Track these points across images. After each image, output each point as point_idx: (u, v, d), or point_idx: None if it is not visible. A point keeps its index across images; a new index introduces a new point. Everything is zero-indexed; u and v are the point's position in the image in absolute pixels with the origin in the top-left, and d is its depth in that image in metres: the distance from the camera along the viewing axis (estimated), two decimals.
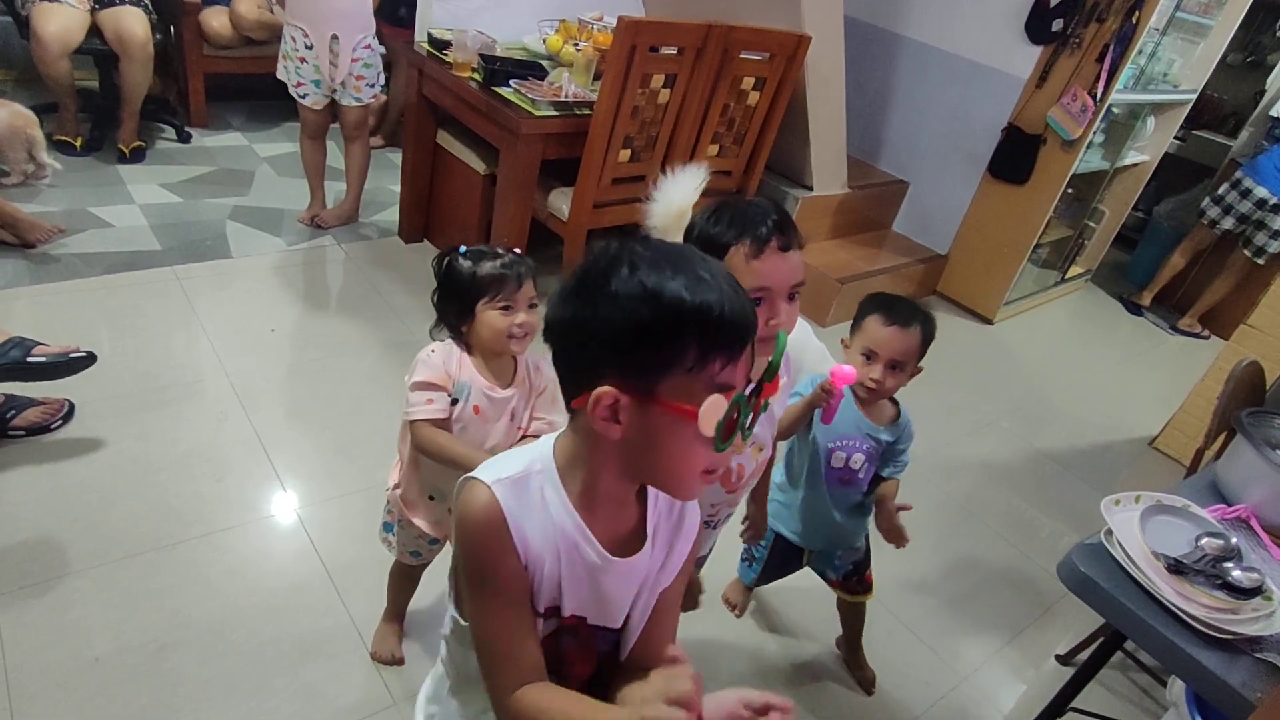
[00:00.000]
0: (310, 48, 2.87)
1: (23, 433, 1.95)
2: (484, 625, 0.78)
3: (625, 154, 2.70)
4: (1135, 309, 4.51)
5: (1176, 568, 1.20)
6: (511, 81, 2.67)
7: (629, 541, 0.82)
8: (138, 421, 2.10)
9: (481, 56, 2.76)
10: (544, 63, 2.97)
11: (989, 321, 3.92)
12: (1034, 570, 2.38)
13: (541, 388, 1.41)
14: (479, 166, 2.97)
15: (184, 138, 3.75)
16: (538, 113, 2.55)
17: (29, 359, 1.74)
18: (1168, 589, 1.17)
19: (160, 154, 3.57)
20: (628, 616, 0.86)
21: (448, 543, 1.56)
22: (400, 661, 1.67)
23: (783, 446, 1.64)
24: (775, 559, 1.76)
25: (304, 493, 2.02)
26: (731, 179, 3.15)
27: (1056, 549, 2.44)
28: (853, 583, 1.79)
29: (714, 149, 2.97)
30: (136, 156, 3.43)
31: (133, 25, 3.22)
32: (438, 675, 0.99)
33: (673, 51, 2.59)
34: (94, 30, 3.23)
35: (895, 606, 2.11)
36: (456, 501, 0.77)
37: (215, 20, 3.71)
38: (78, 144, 3.36)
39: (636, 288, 0.69)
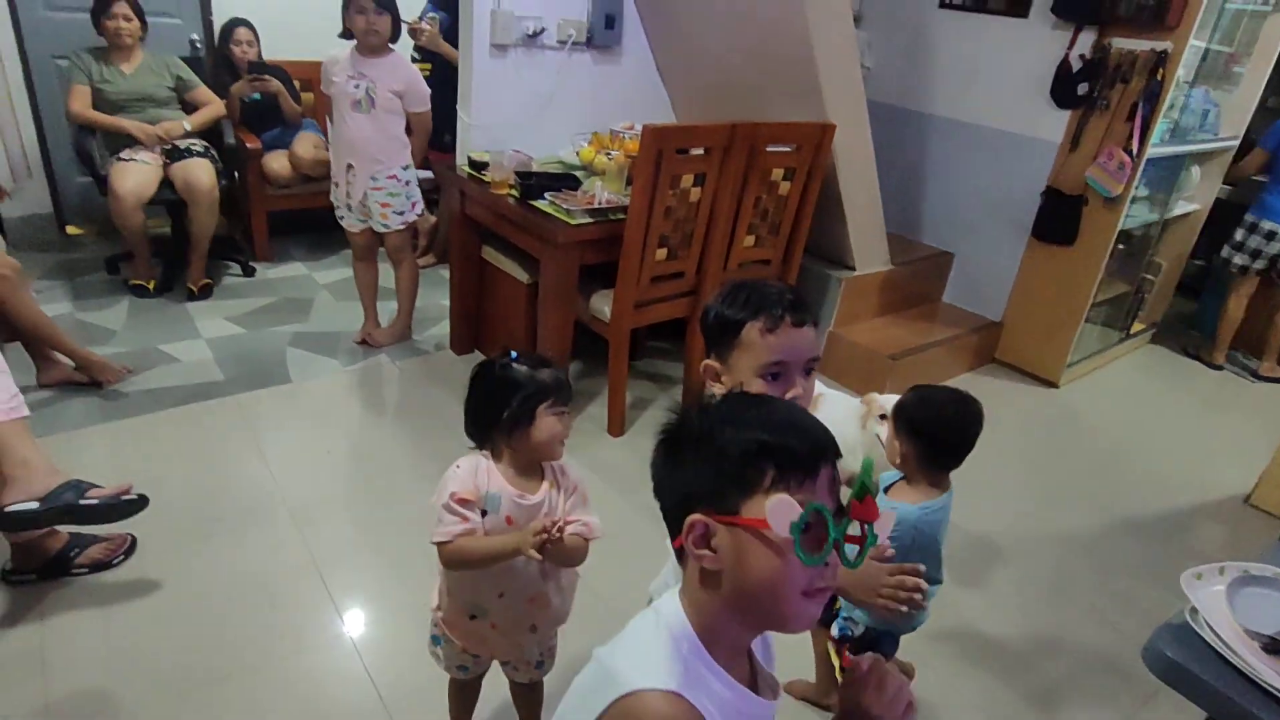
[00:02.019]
0: (336, 175, 3.08)
1: (85, 570, 2.02)
2: None
3: (662, 253, 2.75)
4: (1214, 368, 4.31)
5: (1274, 646, 1.09)
6: (546, 194, 2.77)
7: (752, 682, 0.81)
8: (196, 552, 2.14)
9: (517, 173, 2.87)
10: (578, 173, 3.08)
11: (1054, 385, 3.78)
12: (1132, 651, 2.19)
13: (571, 488, 1.40)
14: (522, 277, 3.05)
15: (249, 272, 3.97)
16: (573, 221, 2.63)
17: (82, 501, 1.80)
18: (1268, 671, 1.06)
19: (226, 289, 3.78)
20: None
21: (493, 658, 1.53)
22: None
23: None
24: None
25: (357, 615, 2.02)
26: (771, 267, 3.17)
27: (1156, 625, 2.25)
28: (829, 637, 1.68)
29: (750, 239, 3.00)
30: (204, 294, 3.64)
31: (200, 175, 3.47)
32: None
33: (700, 152, 2.66)
34: (166, 182, 3.49)
35: (979, 701, 1.96)
36: (628, 715, 0.72)
37: (276, 163, 3.99)
38: (150, 286, 3.58)
39: (712, 424, 0.77)
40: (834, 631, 1.69)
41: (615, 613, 2.01)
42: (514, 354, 1.37)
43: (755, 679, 0.82)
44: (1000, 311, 3.90)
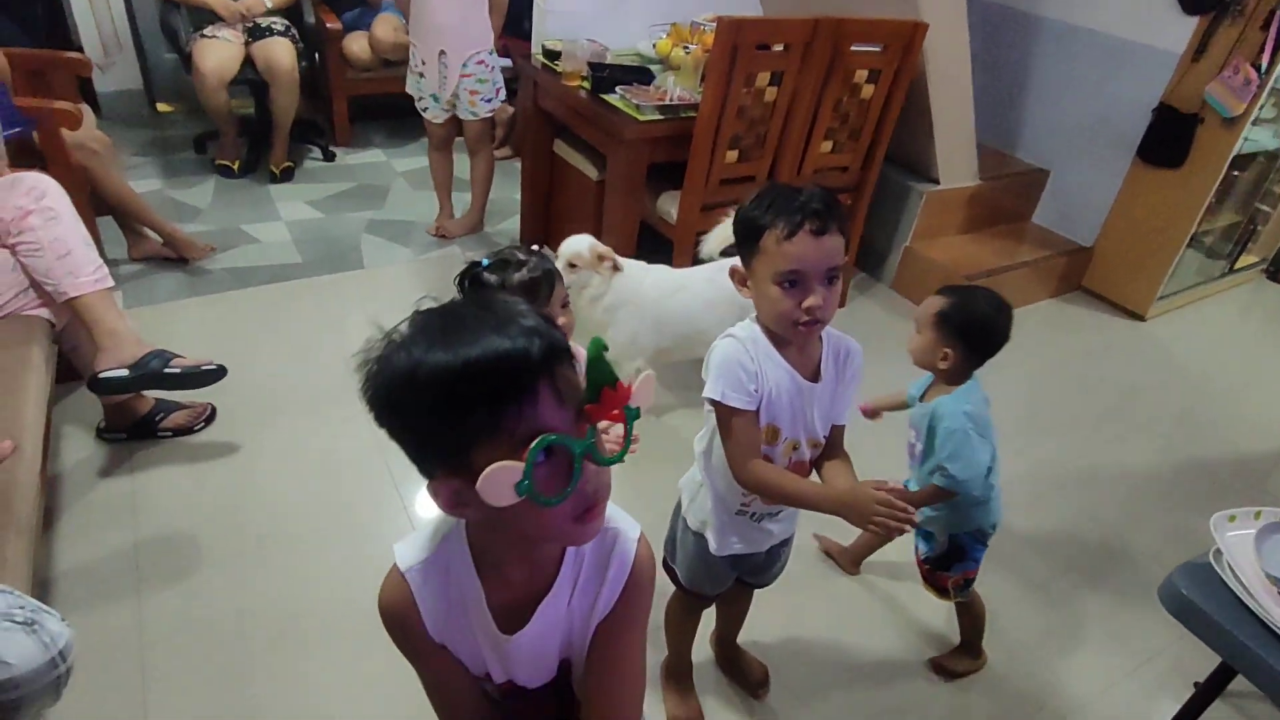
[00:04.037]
0: (425, 63, 3.03)
1: (169, 434, 2.18)
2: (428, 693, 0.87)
3: (733, 155, 2.67)
4: None
5: None
6: (618, 88, 2.70)
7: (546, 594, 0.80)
8: (272, 425, 2.28)
9: (590, 65, 2.80)
10: (653, 67, 2.98)
11: (1140, 318, 3.58)
12: None
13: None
14: (591, 173, 3.02)
15: (329, 157, 4.03)
16: (642, 117, 2.57)
17: (167, 370, 1.92)
18: None
19: (307, 172, 3.87)
20: (563, 662, 0.86)
21: None
22: None
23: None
24: None
25: (415, 498, 2.12)
26: (848, 174, 3.05)
27: None
28: (924, 572, 1.74)
29: (827, 145, 2.88)
30: (286, 176, 3.73)
31: (281, 55, 3.49)
32: None
33: (779, 49, 2.53)
34: (248, 62, 3.53)
35: (1014, 622, 1.97)
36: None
37: (355, 45, 3.98)
38: (235, 167, 3.69)
39: (397, 374, 0.67)
40: (920, 552, 1.71)
41: (655, 508, 2.06)
42: (485, 261, 1.32)
43: (591, 576, 0.81)
44: (1092, 236, 3.68)
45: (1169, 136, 3.28)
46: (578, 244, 2.22)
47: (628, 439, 0.71)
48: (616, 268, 2.23)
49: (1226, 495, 2.56)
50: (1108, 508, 2.44)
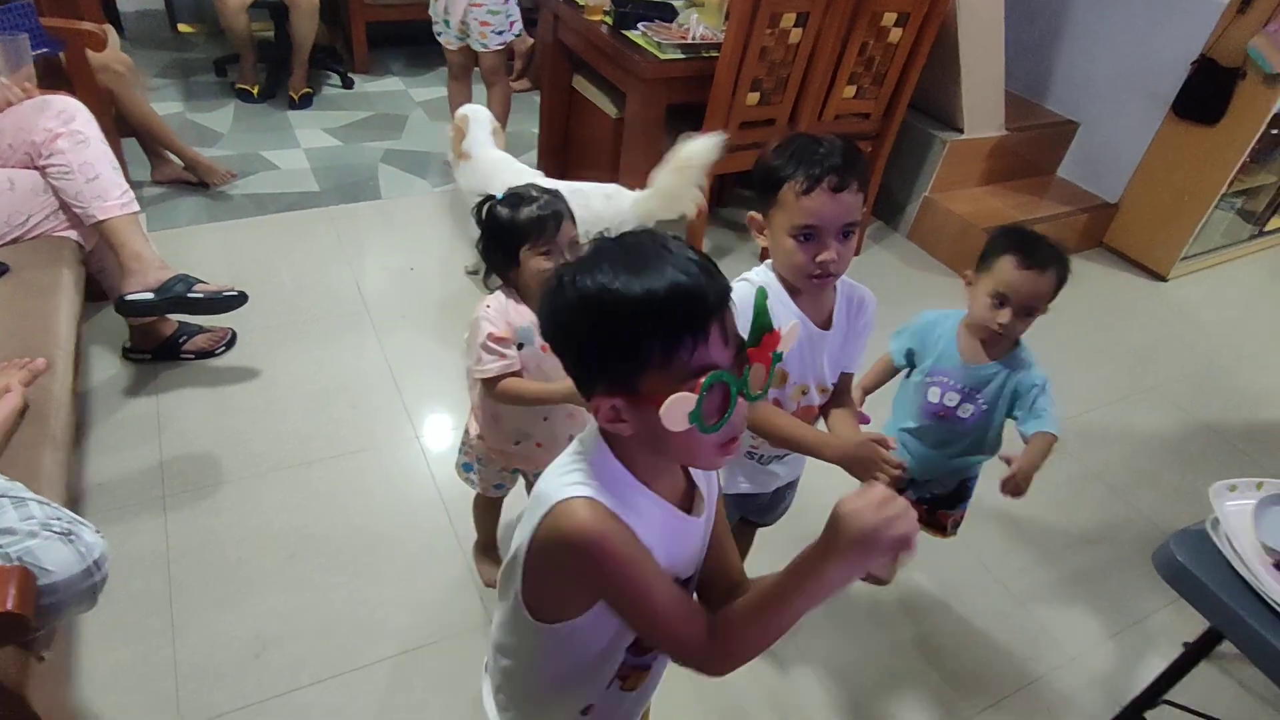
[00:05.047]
0: None
1: (192, 356, 2.25)
2: (649, 604, 0.76)
3: (754, 97, 2.63)
4: None
5: None
6: (640, 24, 2.65)
7: (687, 501, 0.85)
8: (288, 350, 2.34)
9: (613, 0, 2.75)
10: (676, 3, 2.92)
11: (1162, 278, 3.54)
12: None
13: None
14: (610, 110, 2.99)
15: (348, 84, 4.01)
16: (663, 56, 2.53)
17: (190, 294, 1.97)
18: (1274, 584, 1.06)
19: (325, 100, 3.85)
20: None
21: (532, 471, 1.64)
22: None
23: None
24: None
25: (425, 422, 2.19)
26: (870, 121, 3.00)
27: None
28: (922, 512, 1.74)
29: (850, 90, 2.83)
30: (304, 103, 3.72)
31: None
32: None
33: None
34: None
35: (1005, 575, 2.02)
36: (557, 528, 0.75)
37: None
38: (254, 91, 3.68)
39: (580, 298, 0.70)
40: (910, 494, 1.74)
41: None
42: (499, 195, 1.36)
43: (694, 496, 0.85)
44: (1118, 193, 3.62)
45: (1207, 91, 3.19)
46: (470, 113, 2.48)
47: (769, 379, 0.76)
48: (463, 155, 2.42)
49: (1234, 461, 2.57)
50: (1113, 466, 2.47)
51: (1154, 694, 1.41)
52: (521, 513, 0.83)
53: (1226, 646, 1.33)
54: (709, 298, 0.69)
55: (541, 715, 0.96)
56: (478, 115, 2.52)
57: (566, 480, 0.76)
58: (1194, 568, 1.11)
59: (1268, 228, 3.95)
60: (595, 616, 0.80)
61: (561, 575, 0.78)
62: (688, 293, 0.68)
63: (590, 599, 0.79)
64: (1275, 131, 3.37)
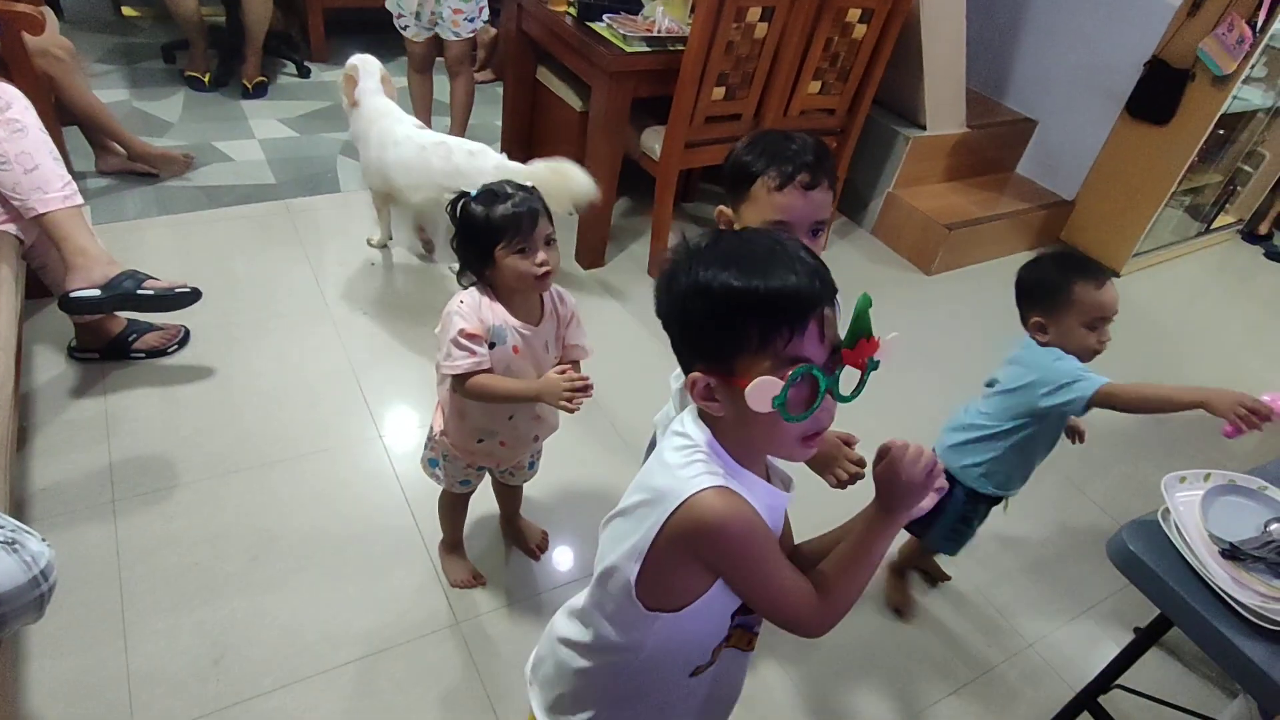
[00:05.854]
0: None
1: (143, 355, 2.16)
2: (776, 580, 0.81)
3: (719, 91, 2.62)
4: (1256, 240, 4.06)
5: (1232, 553, 1.12)
6: (605, 16, 2.62)
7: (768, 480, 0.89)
8: (245, 347, 2.27)
9: None
10: None
11: (1115, 274, 3.63)
12: None
13: (568, 316, 1.45)
14: (575, 103, 2.96)
15: (304, 72, 3.91)
16: (628, 49, 2.51)
17: (139, 290, 1.90)
18: (1220, 575, 1.09)
19: (281, 89, 3.75)
20: None
21: (497, 468, 1.64)
22: (483, 581, 1.78)
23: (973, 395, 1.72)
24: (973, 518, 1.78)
25: (387, 420, 2.14)
26: (835, 117, 3.01)
27: None
28: None
29: (815, 86, 2.84)
30: (259, 91, 3.61)
31: None
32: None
33: None
34: None
35: (965, 566, 2.05)
36: (696, 519, 0.77)
37: None
38: (205, 79, 3.56)
39: (693, 284, 0.76)
40: None
41: (630, 445, 2.10)
42: (474, 192, 1.34)
43: (769, 474, 0.89)
44: (1074, 190, 3.70)
45: (1159, 92, 3.28)
46: (359, 62, 2.59)
47: (862, 385, 0.80)
48: (354, 103, 2.55)
49: (1183, 451, 2.65)
50: (1066, 457, 2.51)
51: (1106, 679, 1.44)
52: (605, 537, 0.88)
53: (1174, 632, 1.37)
54: (811, 295, 0.74)
55: (636, 698, 0.96)
56: (367, 64, 2.60)
57: (690, 473, 0.79)
58: (1145, 556, 1.14)
59: (1214, 225, 4.08)
60: (710, 595, 0.84)
61: (693, 563, 0.81)
62: (793, 288, 0.74)
63: (709, 582, 0.82)
64: (1222, 132, 3.48)
